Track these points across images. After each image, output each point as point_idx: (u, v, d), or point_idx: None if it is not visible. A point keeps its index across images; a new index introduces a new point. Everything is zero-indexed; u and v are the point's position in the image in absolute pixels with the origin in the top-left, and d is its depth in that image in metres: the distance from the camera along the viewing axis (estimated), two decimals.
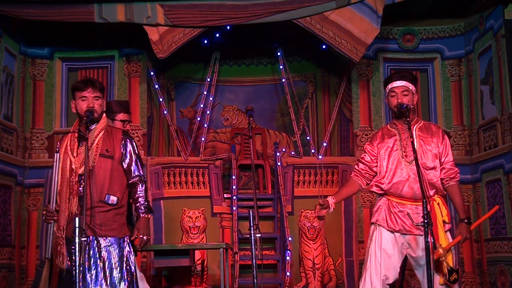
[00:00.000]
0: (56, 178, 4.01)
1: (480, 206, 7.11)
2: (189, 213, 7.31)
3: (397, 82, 4.26)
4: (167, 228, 7.30)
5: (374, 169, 4.38)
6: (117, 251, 3.98)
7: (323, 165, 7.47)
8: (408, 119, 4.13)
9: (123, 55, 7.55)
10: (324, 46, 7.90)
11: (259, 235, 4.23)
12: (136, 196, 4.11)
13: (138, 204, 4.11)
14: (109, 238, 3.98)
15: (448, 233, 4.19)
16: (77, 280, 3.59)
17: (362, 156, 4.47)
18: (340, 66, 8.09)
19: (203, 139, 8.05)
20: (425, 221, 3.69)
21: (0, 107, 6.63)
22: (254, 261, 4.20)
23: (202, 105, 8.21)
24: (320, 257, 7.28)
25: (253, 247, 4.21)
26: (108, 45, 7.55)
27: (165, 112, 8.00)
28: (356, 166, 4.47)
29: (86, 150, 3.86)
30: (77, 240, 3.57)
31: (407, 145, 4.23)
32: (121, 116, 4.77)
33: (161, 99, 7.90)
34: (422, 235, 4.12)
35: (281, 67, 8.22)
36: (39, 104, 7.39)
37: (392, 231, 4.25)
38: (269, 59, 8.78)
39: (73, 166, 3.98)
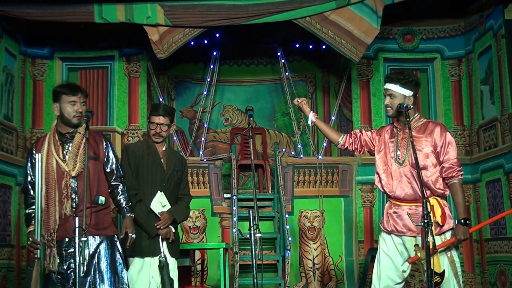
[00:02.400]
0: (40, 181, 3.99)
1: (480, 206, 7.11)
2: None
3: (385, 84, 4.29)
4: None
5: (363, 142, 4.44)
6: (108, 249, 4.12)
7: (323, 165, 7.47)
8: (408, 119, 4.12)
9: (123, 55, 7.55)
10: (324, 46, 7.90)
11: (259, 235, 4.23)
12: (120, 196, 4.31)
13: (124, 204, 4.31)
14: (101, 236, 4.11)
15: (448, 234, 4.16)
16: (77, 280, 3.61)
17: (365, 129, 4.57)
18: (340, 66, 8.09)
19: (203, 139, 8.05)
20: (425, 221, 3.69)
21: (0, 107, 6.63)
22: (254, 261, 4.20)
23: (202, 105, 8.22)
24: (320, 257, 7.28)
25: (253, 247, 4.21)
26: (108, 45, 7.55)
27: None
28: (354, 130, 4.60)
29: (87, 151, 3.93)
30: (77, 240, 3.60)
31: (400, 146, 4.23)
32: (152, 118, 4.81)
33: (161, 99, 7.90)
34: (414, 236, 4.13)
35: (281, 67, 8.23)
36: (39, 104, 7.39)
37: (388, 233, 4.25)
38: (269, 59, 8.79)
39: (67, 169, 4.00)
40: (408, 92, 4.20)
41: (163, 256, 4.54)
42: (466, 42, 7.52)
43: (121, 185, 4.30)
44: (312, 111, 4.56)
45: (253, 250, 4.20)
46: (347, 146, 4.50)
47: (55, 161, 4.05)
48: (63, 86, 4.25)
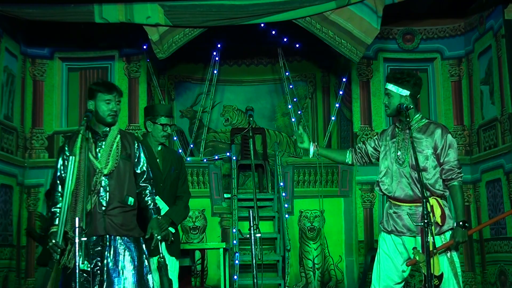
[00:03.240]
0: (70, 182, 3.95)
1: (480, 206, 7.11)
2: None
3: (385, 83, 4.29)
4: None
5: (369, 155, 4.42)
6: (136, 250, 4.10)
7: (323, 165, 7.47)
8: (408, 119, 4.12)
9: (123, 55, 7.55)
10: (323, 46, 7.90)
11: (259, 235, 4.24)
12: (148, 198, 4.28)
13: (152, 205, 4.27)
14: (128, 237, 4.09)
15: (448, 234, 4.15)
16: (77, 280, 3.60)
17: (368, 139, 4.52)
18: (340, 66, 8.09)
19: (203, 139, 8.05)
20: (425, 221, 3.69)
21: (1, 107, 6.63)
22: (254, 261, 4.20)
23: (202, 105, 8.22)
24: (320, 257, 7.29)
25: (253, 247, 4.21)
26: (108, 45, 7.55)
27: None
28: (357, 144, 4.51)
29: (86, 151, 3.91)
30: (76, 240, 3.59)
31: (401, 147, 4.23)
32: (161, 119, 4.78)
33: (161, 99, 7.90)
34: (414, 237, 4.13)
35: (281, 67, 8.23)
36: (39, 104, 7.39)
37: (388, 233, 4.25)
38: (269, 59, 8.79)
39: (99, 166, 4.01)
40: (404, 92, 4.22)
41: (161, 257, 4.53)
42: (466, 42, 7.52)
43: (149, 186, 4.28)
44: (311, 143, 4.47)
45: (253, 250, 4.21)
46: (354, 162, 4.50)
47: (88, 158, 4.05)
48: (99, 84, 4.25)
